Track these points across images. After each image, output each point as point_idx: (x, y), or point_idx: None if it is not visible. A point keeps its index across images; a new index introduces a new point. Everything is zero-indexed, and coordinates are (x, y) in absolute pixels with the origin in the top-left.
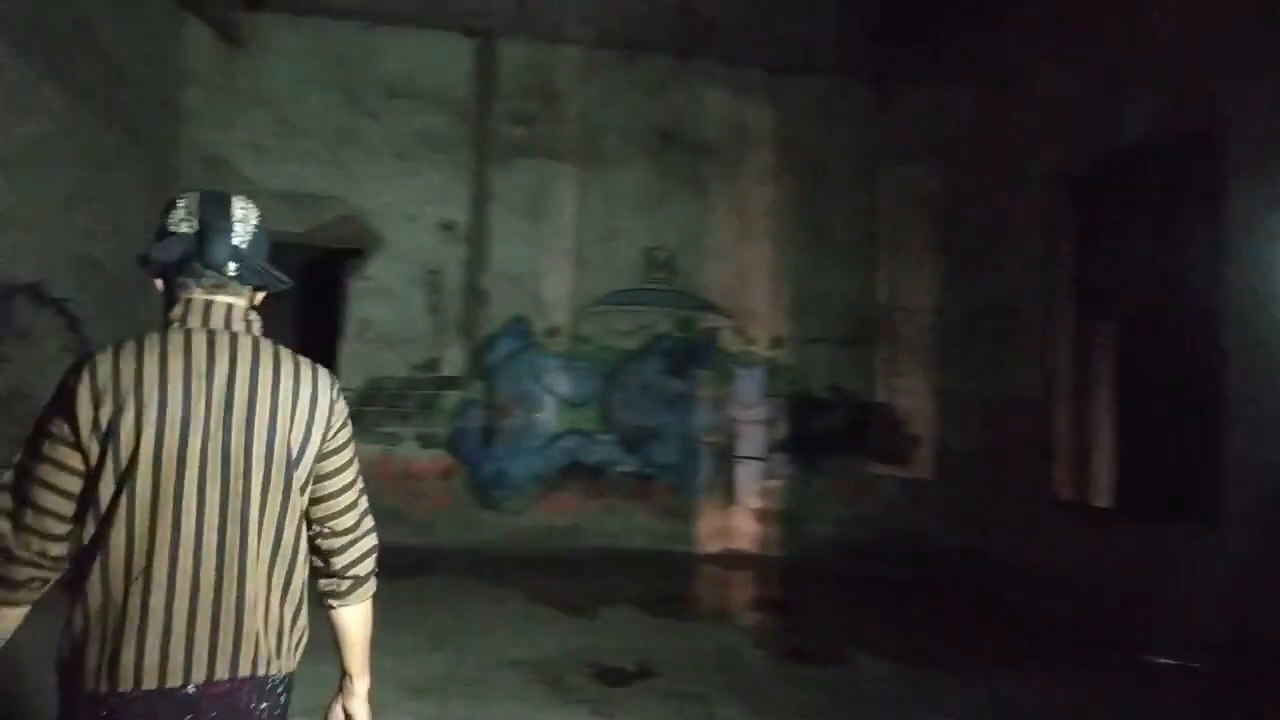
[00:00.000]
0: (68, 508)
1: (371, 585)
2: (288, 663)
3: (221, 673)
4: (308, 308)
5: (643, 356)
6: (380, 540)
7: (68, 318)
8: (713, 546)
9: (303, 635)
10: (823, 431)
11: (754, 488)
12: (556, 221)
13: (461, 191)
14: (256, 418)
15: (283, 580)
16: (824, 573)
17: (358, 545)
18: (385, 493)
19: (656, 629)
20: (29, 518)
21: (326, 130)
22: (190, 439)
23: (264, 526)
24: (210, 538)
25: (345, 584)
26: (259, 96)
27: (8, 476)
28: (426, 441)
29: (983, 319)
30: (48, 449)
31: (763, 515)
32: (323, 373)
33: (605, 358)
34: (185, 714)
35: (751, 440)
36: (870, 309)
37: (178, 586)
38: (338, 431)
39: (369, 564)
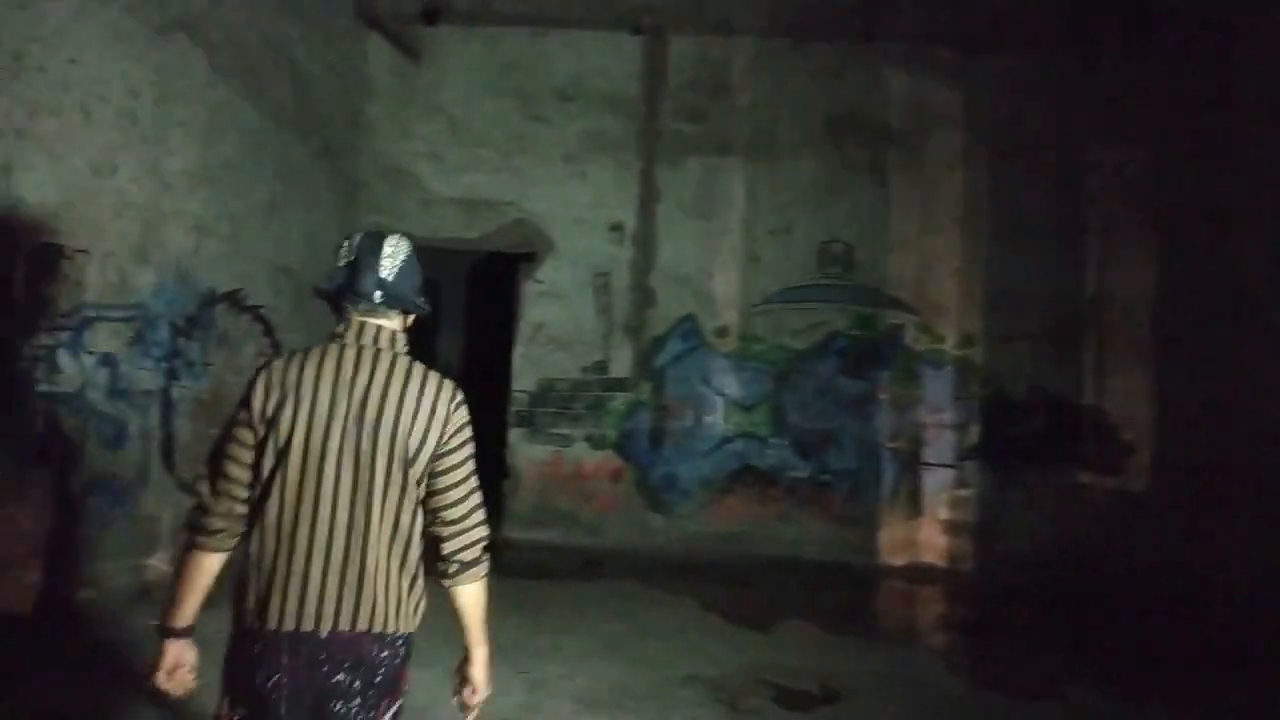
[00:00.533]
0: (248, 478)
1: (479, 569)
2: (406, 624)
3: (345, 625)
4: (484, 311)
5: (818, 356)
6: (552, 540)
7: (264, 323)
8: (896, 559)
9: (419, 602)
10: (1021, 437)
11: (943, 497)
12: (726, 218)
13: (630, 192)
14: (384, 421)
15: (400, 556)
16: (1022, 591)
17: (465, 535)
18: (557, 493)
19: (838, 648)
20: (221, 484)
21: (499, 137)
22: (331, 434)
23: (384, 511)
24: (341, 516)
25: (453, 567)
26: (436, 107)
27: (210, 453)
28: (596, 443)
29: (1212, 310)
30: (235, 430)
31: (952, 527)
32: (446, 386)
33: (777, 358)
34: (319, 654)
35: (940, 446)
36: (1076, 302)
37: (314, 553)
38: (453, 436)
39: (474, 551)
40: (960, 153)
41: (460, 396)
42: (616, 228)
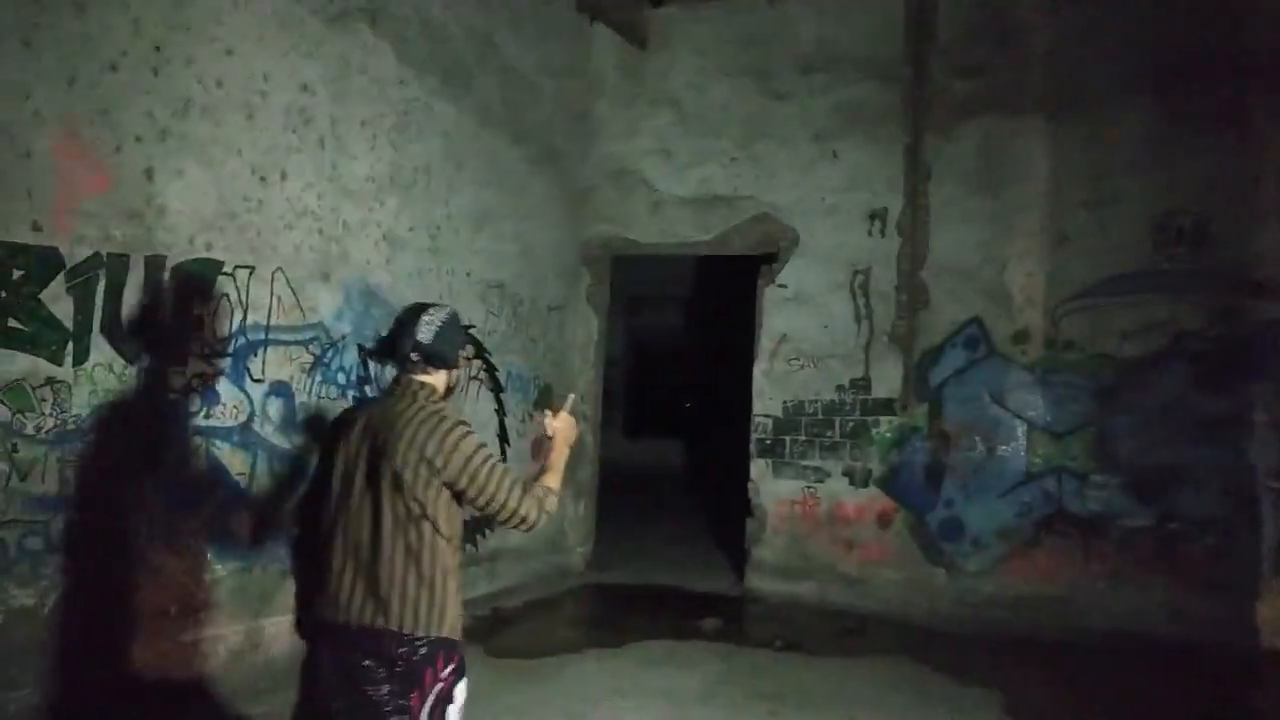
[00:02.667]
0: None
1: (542, 518)
2: (425, 628)
3: (366, 621)
4: (727, 323)
5: (1158, 366)
6: (803, 596)
7: (474, 344)
8: None
9: (444, 610)
10: None
11: None
12: (1021, 192)
13: (892, 171)
14: (387, 460)
15: (414, 569)
16: None
17: (510, 520)
18: (810, 539)
19: None
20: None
21: (735, 123)
22: (357, 469)
23: (394, 532)
24: (363, 534)
25: (526, 528)
26: (665, 97)
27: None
28: (857, 478)
29: None
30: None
31: None
32: (441, 428)
33: (1099, 369)
34: (349, 641)
35: None
36: None
37: (346, 561)
38: (451, 455)
39: (523, 525)
40: None
41: (449, 423)
42: (877, 215)
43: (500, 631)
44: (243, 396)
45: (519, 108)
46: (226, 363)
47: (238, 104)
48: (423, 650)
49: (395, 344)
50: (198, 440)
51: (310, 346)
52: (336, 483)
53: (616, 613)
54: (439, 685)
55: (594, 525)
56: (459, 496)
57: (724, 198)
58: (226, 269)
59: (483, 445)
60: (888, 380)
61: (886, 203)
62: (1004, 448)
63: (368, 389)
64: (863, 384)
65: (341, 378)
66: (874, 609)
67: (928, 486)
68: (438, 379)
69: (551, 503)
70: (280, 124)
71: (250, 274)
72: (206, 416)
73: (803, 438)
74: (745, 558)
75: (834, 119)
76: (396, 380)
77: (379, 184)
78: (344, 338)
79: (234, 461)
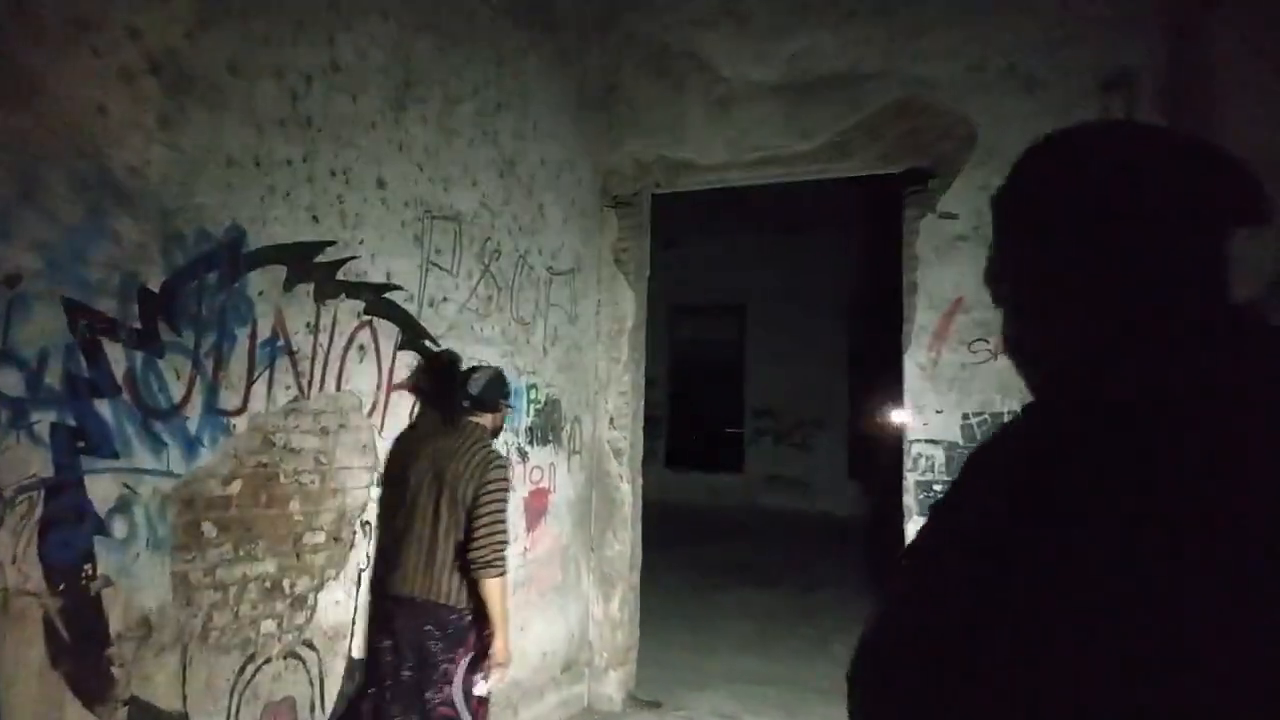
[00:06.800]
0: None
1: (491, 570)
2: (461, 600)
3: (427, 595)
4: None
5: None
6: None
7: (401, 320)
8: None
9: (468, 587)
10: None
11: None
12: None
13: (1139, 8)
14: (449, 478)
15: (460, 556)
16: None
17: (479, 546)
18: None
19: None
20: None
21: None
22: (425, 482)
23: (448, 529)
24: (425, 531)
25: (474, 565)
26: None
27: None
28: None
29: None
30: (381, 481)
31: None
32: (488, 461)
33: None
34: (416, 611)
35: None
36: None
37: (410, 550)
38: (482, 492)
39: (486, 556)
40: None
41: (494, 466)
42: (1116, 83)
43: None
44: None
45: None
46: None
47: None
48: (468, 618)
49: (452, 394)
50: None
51: None
52: (410, 491)
53: None
54: (478, 645)
55: (636, 632)
56: (469, 513)
57: (838, 78)
58: None
59: (504, 491)
60: None
61: (1131, 59)
62: None
63: (108, 408)
64: None
65: (17, 383)
66: None
67: None
68: (485, 419)
69: (500, 582)
70: None
71: None
72: None
73: None
74: None
75: None
76: (456, 419)
77: None
78: (19, 281)
79: None
